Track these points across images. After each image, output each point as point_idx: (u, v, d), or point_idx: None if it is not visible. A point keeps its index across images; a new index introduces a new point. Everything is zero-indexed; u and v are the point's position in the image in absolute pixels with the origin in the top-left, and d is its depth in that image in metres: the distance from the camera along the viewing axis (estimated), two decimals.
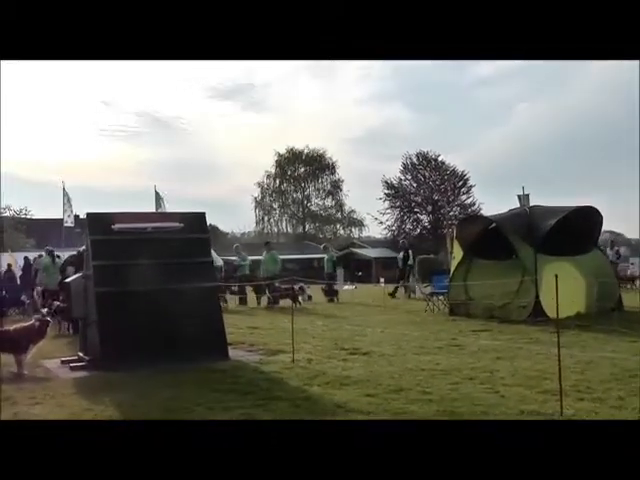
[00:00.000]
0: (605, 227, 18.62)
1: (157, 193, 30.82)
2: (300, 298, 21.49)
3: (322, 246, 30.64)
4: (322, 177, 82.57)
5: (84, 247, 14.12)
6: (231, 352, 10.90)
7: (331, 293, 24.22)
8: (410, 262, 25.79)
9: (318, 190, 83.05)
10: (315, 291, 24.43)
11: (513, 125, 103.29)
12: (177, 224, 10.90)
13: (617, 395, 7.26)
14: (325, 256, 26.14)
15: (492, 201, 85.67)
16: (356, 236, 79.05)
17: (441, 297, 18.45)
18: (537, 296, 14.38)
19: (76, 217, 29.65)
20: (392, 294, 24.27)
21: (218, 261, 21.36)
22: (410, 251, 26.29)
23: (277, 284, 22.42)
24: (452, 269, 17.79)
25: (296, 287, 21.86)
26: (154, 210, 26.76)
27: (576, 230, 15.83)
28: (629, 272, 28.77)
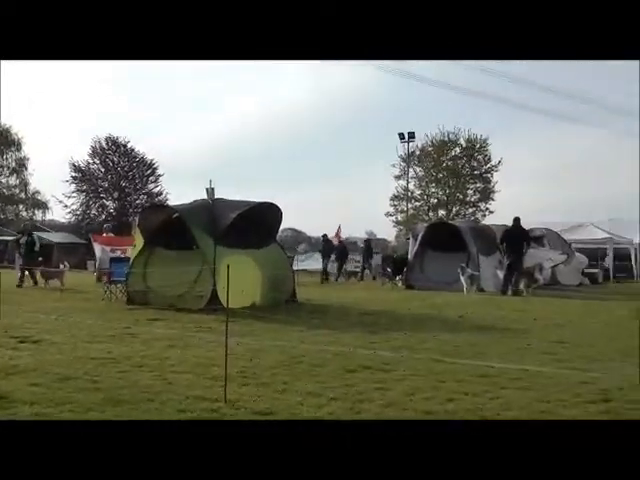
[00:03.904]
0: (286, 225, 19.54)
1: None
2: None
3: None
4: (7, 154, 77.68)
5: None
6: None
7: None
8: (37, 248, 24.73)
9: (2, 167, 78.03)
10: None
11: (215, 119, 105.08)
12: None
13: (282, 380, 7.60)
14: None
15: (184, 192, 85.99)
16: (39, 219, 75.36)
17: (119, 285, 18.16)
18: (215, 285, 14.67)
19: None
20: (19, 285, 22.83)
21: None
22: (35, 235, 25.39)
23: None
24: (132, 257, 17.58)
25: None
26: None
27: (256, 224, 16.36)
28: None
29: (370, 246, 36.16)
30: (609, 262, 35.73)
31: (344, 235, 42.21)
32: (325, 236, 35.38)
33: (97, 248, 25.59)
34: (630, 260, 36.24)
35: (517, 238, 22.18)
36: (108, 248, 24.96)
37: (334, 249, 33.62)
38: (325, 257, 32.95)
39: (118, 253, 23.71)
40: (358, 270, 34.68)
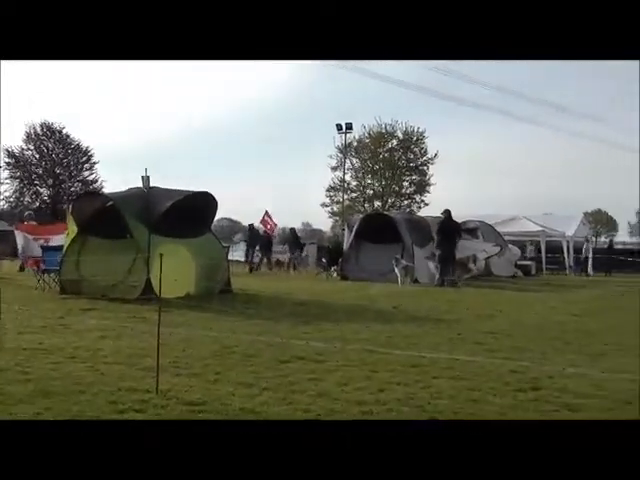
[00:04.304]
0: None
1: None
2: None
3: None
4: None
5: None
6: None
7: None
8: None
9: None
10: None
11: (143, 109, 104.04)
12: None
13: (214, 370, 7.59)
14: None
15: (121, 181, 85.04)
16: None
17: (52, 274, 17.83)
18: (149, 275, 14.56)
19: None
20: None
21: None
22: None
23: None
24: (65, 245, 17.27)
25: None
26: None
27: (191, 213, 16.24)
28: None
29: (295, 234, 35.88)
30: (534, 254, 36.56)
31: (280, 225, 41.87)
32: (251, 225, 35.07)
33: (19, 236, 25.08)
34: (562, 253, 37.05)
35: (449, 230, 22.48)
36: (31, 236, 24.48)
37: (258, 239, 33.39)
38: (250, 247, 32.78)
39: (41, 242, 23.21)
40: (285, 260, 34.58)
